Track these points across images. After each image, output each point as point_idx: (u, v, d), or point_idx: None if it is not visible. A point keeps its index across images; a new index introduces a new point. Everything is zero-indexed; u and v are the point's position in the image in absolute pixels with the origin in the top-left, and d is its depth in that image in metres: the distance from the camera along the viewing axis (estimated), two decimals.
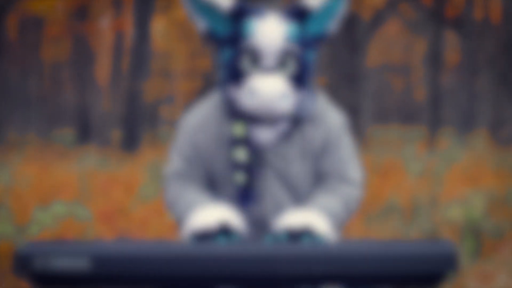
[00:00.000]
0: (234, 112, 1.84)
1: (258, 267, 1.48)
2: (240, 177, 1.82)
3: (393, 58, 32.83)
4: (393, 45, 32.44)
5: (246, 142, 1.81)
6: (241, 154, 1.82)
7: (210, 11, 1.79)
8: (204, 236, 1.68)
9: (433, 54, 18.52)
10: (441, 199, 6.02)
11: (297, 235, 1.69)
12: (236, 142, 1.82)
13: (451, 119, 22.84)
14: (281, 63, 1.79)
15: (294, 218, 1.73)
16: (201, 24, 1.83)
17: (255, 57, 1.78)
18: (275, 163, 1.85)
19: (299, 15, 1.83)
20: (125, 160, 10.65)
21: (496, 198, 5.84)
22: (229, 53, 1.82)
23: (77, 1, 17.78)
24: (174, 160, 1.90)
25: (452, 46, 23.71)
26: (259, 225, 1.86)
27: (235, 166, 1.82)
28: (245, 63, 1.79)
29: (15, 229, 4.32)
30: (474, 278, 4.06)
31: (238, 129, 1.82)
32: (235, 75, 1.80)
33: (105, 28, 22.02)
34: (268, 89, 1.75)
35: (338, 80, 15.66)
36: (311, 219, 1.72)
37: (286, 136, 1.86)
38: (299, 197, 1.87)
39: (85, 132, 18.72)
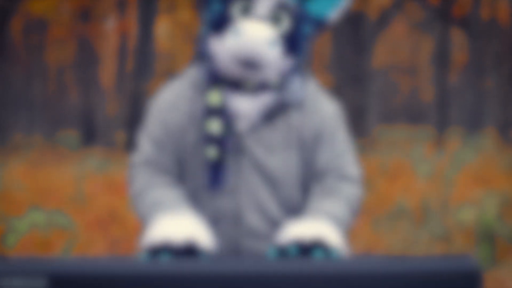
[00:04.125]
0: (211, 77, 1.62)
1: (267, 286, 1.30)
2: (212, 151, 1.59)
3: (400, 58, 32.71)
4: (400, 46, 32.31)
5: (222, 112, 1.59)
6: (214, 125, 1.59)
7: None
8: (164, 254, 1.44)
9: (440, 54, 18.36)
10: (452, 202, 5.85)
11: (308, 249, 1.48)
12: (210, 112, 1.60)
13: (458, 119, 22.68)
14: (275, 16, 1.59)
15: (303, 229, 1.51)
16: None
17: (247, 4, 1.58)
18: (254, 150, 1.62)
19: None
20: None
21: (509, 200, 5.67)
22: (219, 4, 1.61)
23: (81, 3, 17.70)
24: (143, 145, 1.66)
25: (460, 45, 23.56)
26: (233, 220, 1.62)
27: (207, 138, 1.59)
28: (234, 10, 1.58)
29: None
30: (488, 284, 3.90)
31: (214, 97, 1.60)
32: (221, 23, 1.59)
33: (109, 30, 21.97)
34: (255, 32, 1.55)
35: (344, 80, 15.51)
36: (322, 230, 1.51)
37: (268, 119, 1.63)
38: (279, 193, 1.63)
39: (90, 134, 18.66)
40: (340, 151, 1.67)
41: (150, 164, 1.64)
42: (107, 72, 26.34)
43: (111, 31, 22.00)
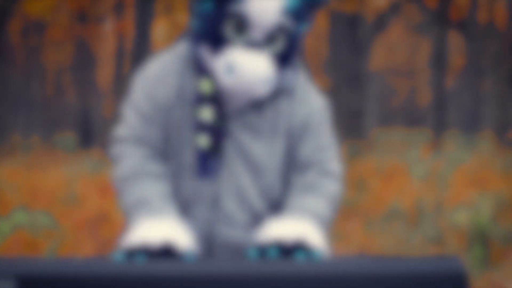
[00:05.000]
0: (203, 69, 1.56)
1: None
2: (203, 140, 1.54)
3: (397, 61, 32.73)
4: (398, 48, 32.33)
5: (214, 100, 1.53)
6: (207, 114, 1.53)
7: None
8: (140, 255, 1.41)
9: (437, 57, 18.36)
10: (447, 204, 5.84)
11: (289, 250, 1.44)
12: (202, 99, 1.54)
13: (456, 121, 22.69)
14: (270, 38, 1.51)
15: (284, 229, 1.47)
16: None
17: (241, 27, 1.49)
18: (239, 135, 1.57)
19: None
20: None
21: (504, 203, 5.65)
22: (211, 6, 1.51)
23: (79, 5, 17.70)
24: (130, 120, 1.58)
25: (457, 48, 23.58)
26: (211, 205, 1.57)
27: (200, 126, 1.54)
28: (228, 29, 1.50)
29: None
30: (482, 287, 3.88)
31: (206, 85, 1.55)
32: (213, 40, 1.51)
33: (106, 32, 21.96)
34: (252, 69, 1.48)
35: (341, 82, 15.51)
36: (304, 230, 1.47)
37: (257, 106, 1.58)
38: (261, 180, 1.58)
39: (87, 136, 18.64)
40: (325, 145, 1.64)
41: (138, 141, 1.58)
42: (104, 74, 26.34)
43: (109, 33, 22.00)
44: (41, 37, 23.35)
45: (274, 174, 1.60)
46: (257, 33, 1.49)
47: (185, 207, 1.58)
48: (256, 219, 1.60)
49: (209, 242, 1.58)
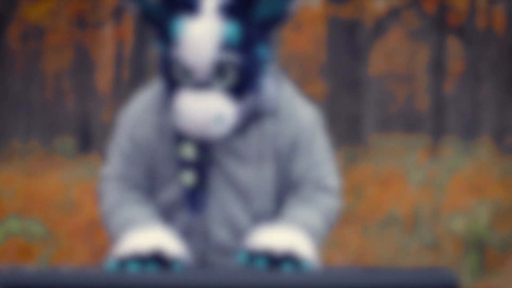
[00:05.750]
0: None
1: None
2: (188, 177, 1.53)
3: (396, 66, 32.74)
4: (396, 54, 32.35)
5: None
6: (188, 150, 1.51)
7: None
8: (132, 263, 1.40)
9: (436, 62, 18.37)
10: (443, 210, 5.84)
11: (278, 260, 1.41)
12: (182, 135, 1.52)
13: (454, 127, 22.68)
14: (218, 74, 1.46)
15: (274, 238, 1.44)
16: (132, 7, 1.53)
17: (186, 71, 1.46)
18: (225, 162, 1.54)
19: (242, 5, 1.44)
20: None
21: (501, 209, 5.65)
22: (163, 48, 1.49)
23: (78, 10, 17.71)
24: (113, 160, 1.60)
25: (455, 54, 23.59)
26: (202, 235, 1.57)
27: (182, 164, 1.52)
28: (177, 73, 1.46)
29: None
30: None
31: None
32: (167, 83, 1.49)
33: (105, 37, 21.97)
34: (198, 112, 1.44)
35: (339, 87, 15.51)
36: (294, 241, 1.45)
37: (241, 131, 1.54)
38: (251, 206, 1.56)
39: (86, 141, 18.64)
40: (318, 160, 1.59)
41: (120, 179, 1.60)
42: (103, 79, 26.35)
43: (108, 39, 22.02)
44: (40, 42, 23.36)
45: (264, 199, 1.57)
46: (200, 74, 1.46)
47: (179, 240, 1.57)
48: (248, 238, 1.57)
49: None
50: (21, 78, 25.23)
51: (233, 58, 1.46)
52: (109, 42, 22.52)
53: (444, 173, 8.13)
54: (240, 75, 1.47)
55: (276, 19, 1.48)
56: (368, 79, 16.02)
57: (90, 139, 18.64)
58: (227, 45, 1.44)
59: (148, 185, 1.60)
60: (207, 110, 1.45)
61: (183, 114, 1.46)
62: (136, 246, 1.44)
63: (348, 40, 15.44)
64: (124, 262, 1.42)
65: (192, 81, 1.47)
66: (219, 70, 1.46)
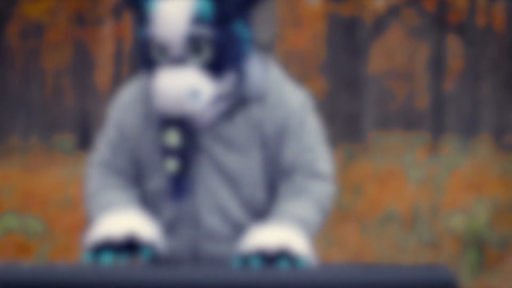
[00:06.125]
0: None
1: None
2: (171, 164, 1.52)
3: (395, 64, 32.75)
4: (396, 52, 32.35)
5: (179, 121, 1.49)
6: (172, 137, 1.50)
7: None
8: (105, 249, 1.41)
9: (436, 60, 18.37)
10: (442, 208, 5.83)
11: (272, 258, 1.40)
12: (166, 121, 1.51)
13: (454, 125, 22.70)
14: (193, 49, 1.45)
15: (267, 236, 1.42)
16: None
17: (161, 48, 1.46)
18: (212, 148, 1.53)
19: None
20: None
21: (500, 207, 5.65)
22: (141, 31, 1.51)
23: (77, 8, 17.70)
24: (100, 146, 1.62)
25: (455, 52, 23.59)
26: (192, 223, 1.55)
27: (166, 151, 1.51)
28: (154, 52, 1.46)
29: None
30: None
31: None
32: (146, 65, 1.50)
33: (105, 35, 21.96)
34: (171, 87, 1.43)
35: (339, 85, 15.51)
36: (288, 237, 1.43)
37: (228, 116, 1.53)
38: (241, 192, 1.54)
39: (85, 138, 18.64)
40: (309, 145, 1.56)
41: (105, 165, 1.61)
42: (103, 76, 26.33)
43: (107, 36, 22.00)
44: (40, 39, 23.35)
45: (253, 185, 1.56)
46: (174, 50, 1.46)
47: (167, 228, 1.57)
48: (240, 231, 1.57)
49: (194, 259, 1.57)
50: (21, 76, 25.23)
51: (206, 32, 1.45)
52: (109, 39, 22.52)
53: (443, 171, 8.12)
54: (216, 50, 1.46)
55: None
56: (367, 77, 16.01)
57: (89, 136, 18.65)
58: (200, 20, 1.44)
59: (133, 172, 1.61)
60: (181, 85, 1.44)
61: (159, 91, 1.46)
62: (109, 231, 1.44)
63: (348, 38, 15.44)
64: (97, 250, 1.42)
65: (168, 58, 1.47)
66: (194, 44, 1.45)
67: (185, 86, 1.44)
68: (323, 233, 5.06)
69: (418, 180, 7.33)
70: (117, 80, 19.93)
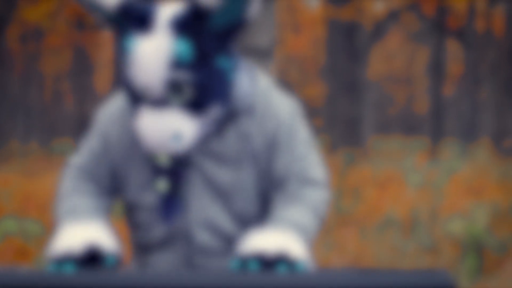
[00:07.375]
0: None
1: None
2: (162, 185, 1.50)
3: (395, 69, 32.79)
4: (396, 56, 32.39)
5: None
6: (163, 157, 1.48)
7: (97, 7, 1.45)
8: (66, 261, 1.41)
9: (435, 65, 18.39)
10: (442, 212, 5.83)
11: (271, 262, 1.40)
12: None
13: (453, 129, 22.72)
14: (174, 91, 1.42)
15: (265, 240, 1.42)
16: (96, 16, 1.50)
17: (141, 91, 1.44)
18: (203, 164, 1.51)
19: (195, 19, 1.40)
20: None
21: (499, 212, 5.65)
22: (124, 70, 1.49)
23: (76, 12, 17.72)
24: (82, 152, 1.61)
25: (455, 57, 23.62)
26: (184, 239, 1.55)
27: (156, 171, 1.49)
28: (136, 93, 1.44)
29: None
30: None
31: None
32: (129, 98, 1.47)
33: (104, 39, 21.98)
34: (155, 131, 1.41)
35: (338, 89, 15.52)
36: (286, 242, 1.43)
37: (217, 132, 1.51)
38: (232, 207, 1.53)
39: None
40: (300, 154, 1.55)
41: (81, 169, 1.61)
42: (102, 80, 26.36)
43: (106, 40, 22.04)
44: (39, 43, 23.37)
45: (246, 200, 1.55)
46: (154, 93, 1.43)
47: (160, 245, 1.57)
48: (232, 246, 1.57)
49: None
50: (20, 80, 25.26)
51: (186, 75, 1.42)
52: (108, 43, 22.55)
53: (442, 176, 8.12)
54: (197, 91, 1.44)
55: (233, 28, 1.44)
56: (367, 81, 16.03)
57: None
58: (178, 63, 1.41)
59: (109, 183, 1.60)
60: (164, 128, 1.43)
61: (142, 133, 1.45)
62: (69, 243, 1.44)
63: (348, 42, 15.46)
64: (59, 263, 1.42)
65: (149, 100, 1.45)
66: (173, 88, 1.42)
67: (167, 130, 1.43)
68: (323, 237, 5.06)
69: (417, 185, 7.33)
70: (117, 84, 19.96)
